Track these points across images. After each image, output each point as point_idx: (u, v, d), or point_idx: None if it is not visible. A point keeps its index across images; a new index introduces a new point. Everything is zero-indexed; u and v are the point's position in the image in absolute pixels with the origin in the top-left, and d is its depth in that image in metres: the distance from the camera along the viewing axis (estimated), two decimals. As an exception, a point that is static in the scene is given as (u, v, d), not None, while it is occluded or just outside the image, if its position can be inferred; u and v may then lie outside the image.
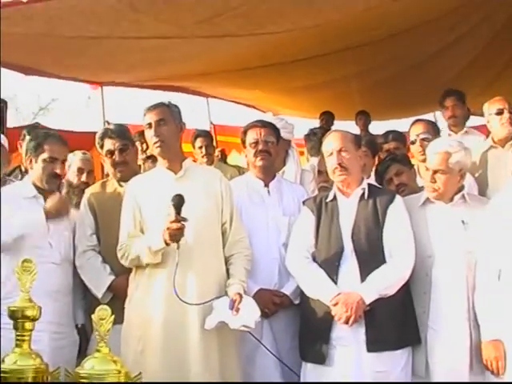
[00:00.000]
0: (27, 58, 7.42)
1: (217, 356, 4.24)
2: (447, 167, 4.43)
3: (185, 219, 4.08)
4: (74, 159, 5.52)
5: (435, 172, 4.43)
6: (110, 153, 4.85)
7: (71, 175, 5.46)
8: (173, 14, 6.47)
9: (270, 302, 4.58)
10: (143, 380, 4.01)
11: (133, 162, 4.95)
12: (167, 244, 4.14)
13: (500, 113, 5.62)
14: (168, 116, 4.41)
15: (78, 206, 5.12)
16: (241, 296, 4.22)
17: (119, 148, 4.83)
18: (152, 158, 6.24)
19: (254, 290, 4.54)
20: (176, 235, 4.09)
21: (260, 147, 4.86)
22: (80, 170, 5.46)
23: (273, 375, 4.59)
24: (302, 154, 7.06)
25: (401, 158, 5.25)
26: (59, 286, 4.52)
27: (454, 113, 6.72)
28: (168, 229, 4.09)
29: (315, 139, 6.54)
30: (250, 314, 4.14)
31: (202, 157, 7.26)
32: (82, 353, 4.67)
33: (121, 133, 4.91)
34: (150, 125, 4.37)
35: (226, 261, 4.44)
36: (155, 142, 4.34)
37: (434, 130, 5.72)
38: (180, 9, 6.35)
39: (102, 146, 4.90)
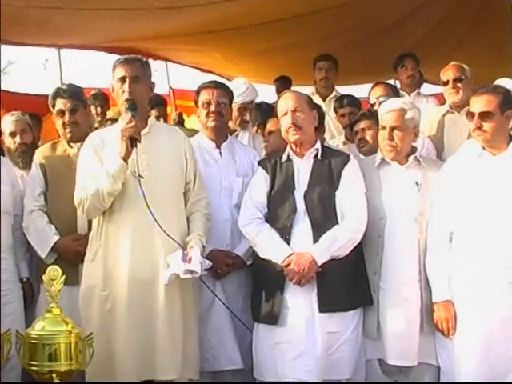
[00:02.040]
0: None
1: (180, 313, 4.25)
2: (403, 123, 4.46)
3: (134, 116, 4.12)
4: (5, 124, 5.33)
5: (392, 129, 4.45)
6: (61, 112, 4.80)
7: (7, 141, 5.29)
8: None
9: (223, 263, 4.59)
10: (116, 339, 4.09)
11: (83, 123, 4.87)
12: (125, 157, 4.10)
13: (446, 82, 5.69)
14: (142, 73, 4.34)
15: (25, 168, 5.11)
16: (191, 247, 4.21)
17: (70, 108, 4.78)
18: (112, 121, 6.18)
19: (206, 250, 4.51)
20: (131, 132, 4.10)
21: (212, 108, 4.83)
22: (12, 134, 5.25)
23: (226, 336, 4.61)
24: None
25: (373, 116, 5.24)
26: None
27: (413, 73, 6.91)
28: (122, 131, 4.11)
29: (259, 112, 6.61)
30: (194, 259, 4.13)
31: (156, 117, 7.19)
32: (28, 306, 4.68)
33: (73, 93, 4.85)
34: (122, 79, 4.27)
35: (187, 219, 4.42)
36: (127, 99, 4.23)
37: (393, 92, 5.80)
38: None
39: (53, 106, 4.85)
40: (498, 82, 5.19)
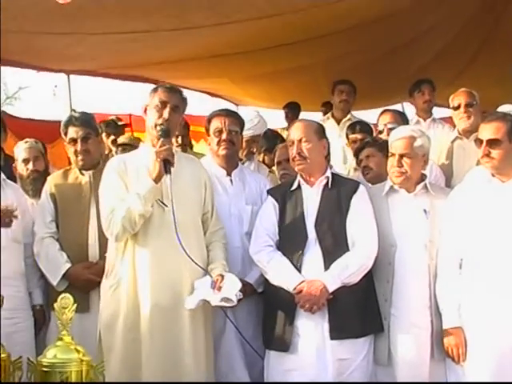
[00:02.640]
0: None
1: (203, 342, 4.28)
2: (412, 151, 4.49)
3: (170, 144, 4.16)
4: (18, 151, 5.38)
5: (402, 156, 4.47)
6: (73, 141, 4.83)
7: (20, 167, 5.34)
8: (140, 12, 6.45)
9: None
10: (142, 369, 4.08)
11: (95, 150, 4.90)
12: (156, 179, 4.12)
13: (458, 107, 5.73)
14: (181, 105, 4.38)
15: (35, 195, 5.13)
16: (222, 276, 4.22)
17: (82, 136, 4.81)
18: (122, 147, 6.22)
19: None
20: (165, 154, 4.11)
21: (224, 136, 4.85)
22: (25, 161, 5.30)
23: (236, 363, 4.62)
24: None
25: (377, 143, 5.30)
26: (7, 271, 4.44)
27: (430, 98, 6.88)
28: (157, 152, 4.12)
29: (265, 139, 6.68)
30: (230, 288, 4.14)
31: (177, 146, 7.24)
32: (39, 333, 4.72)
33: (85, 121, 4.89)
34: (163, 104, 4.27)
35: (206, 248, 4.43)
36: (163, 124, 4.23)
37: (401, 119, 5.81)
38: (148, 6, 6.33)
39: (65, 134, 4.88)
40: (501, 108, 5.19)
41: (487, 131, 4.26)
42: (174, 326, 4.18)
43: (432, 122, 6.81)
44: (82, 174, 4.83)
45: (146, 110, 4.36)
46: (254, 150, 5.95)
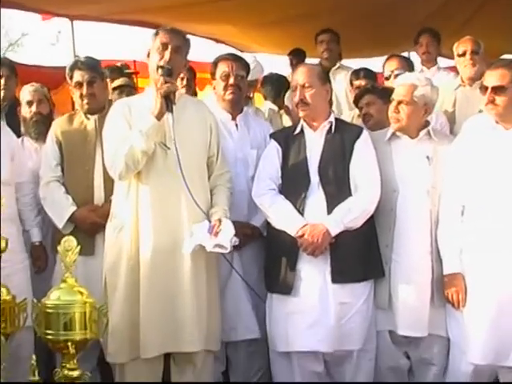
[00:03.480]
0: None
1: (205, 284, 4.31)
2: (411, 99, 4.46)
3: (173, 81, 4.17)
4: (23, 94, 5.38)
5: (399, 103, 4.46)
6: (79, 84, 4.82)
7: (24, 110, 5.34)
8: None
9: (241, 234, 4.54)
10: (141, 309, 4.11)
11: (101, 95, 4.89)
12: (158, 116, 4.13)
13: (463, 54, 5.70)
14: (183, 47, 4.36)
15: (38, 138, 5.16)
16: (220, 221, 4.23)
17: (88, 80, 4.80)
18: (120, 89, 6.19)
19: None
20: (166, 90, 4.13)
21: (231, 81, 4.83)
22: (29, 103, 5.30)
23: (243, 306, 4.68)
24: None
25: (377, 90, 5.30)
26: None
27: (428, 49, 6.86)
28: (158, 89, 4.14)
29: (269, 84, 6.63)
30: (225, 234, 4.16)
31: (182, 87, 7.20)
32: (43, 270, 4.82)
33: (90, 65, 4.88)
34: (164, 45, 4.25)
35: (210, 192, 4.44)
36: (165, 67, 4.21)
37: (408, 66, 5.78)
38: None
39: (71, 78, 4.87)
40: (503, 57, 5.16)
41: (492, 78, 4.24)
42: (173, 269, 4.22)
43: (436, 70, 6.78)
44: (88, 119, 4.83)
45: (149, 54, 4.34)
46: (251, 96, 5.92)
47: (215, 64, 4.92)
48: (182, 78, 6.05)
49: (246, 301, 4.68)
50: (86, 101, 4.81)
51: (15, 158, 4.75)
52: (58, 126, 4.90)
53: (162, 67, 4.20)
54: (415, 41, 6.97)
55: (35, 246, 4.85)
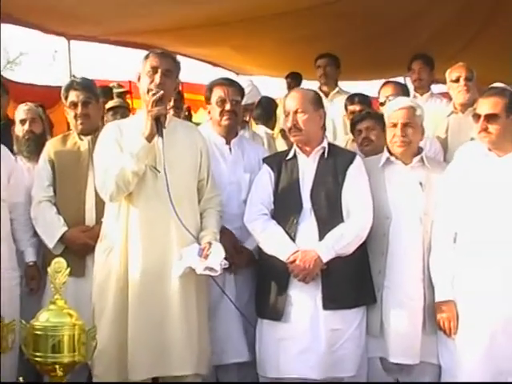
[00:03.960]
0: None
1: (195, 307, 4.28)
2: (414, 121, 4.50)
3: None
4: (17, 113, 5.43)
5: (405, 125, 4.47)
6: (74, 104, 4.83)
7: (17, 129, 5.38)
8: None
9: (232, 250, 4.59)
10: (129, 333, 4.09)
11: (95, 116, 4.90)
12: (148, 138, 4.13)
13: (456, 80, 5.73)
14: (174, 70, 4.36)
15: (30, 156, 5.19)
16: (210, 244, 4.22)
17: (83, 101, 4.81)
18: (114, 110, 6.20)
19: None
20: (156, 112, 4.13)
21: (227, 107, 4.84)
22: (22, 121, 5.34)
23: (234, 329, 4.65)
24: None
25: (377, 116, 5.28)
26: None
27: (420, 75, 6.87)
28: (149, 111, 4.14)
29: (260, 107, 6.65)
30: (215, 257, 4.15)
31: (170, 108, 7.19)
32: (36, 291, 4.77)
33: (86, 86, 4.89)
34: (154, 69, 4.26)
35: (200, 215, 4.44)
36: (154, 91, 4.20)
37: (403, 92, 5.79)
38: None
39: (66, 98, 4.88)
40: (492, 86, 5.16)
41: (485, 106, 4.25)
42: (162, 292, 4.20)
43: (429, 96, 6.80)
44: (81, 140, 4.83)
45: (139, 78, 4.35)
46: (247, 119, 5.93)
47: (210, 89, 4.93)
48: (170, 100, 6.09)
49: (236, 323, 4.66)
50: (80, 121, 4.81)
51: (11, 177, 4.75)
52: (52, 146, 4.89)
53: (151, 90, 4.21)
54: (408, 67, 7.01)
55: (29, 267, 4.81)
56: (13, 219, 4.76)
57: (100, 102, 5.10)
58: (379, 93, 5.94)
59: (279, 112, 7.78)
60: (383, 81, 6.21)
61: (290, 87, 9.78)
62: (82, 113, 4.81)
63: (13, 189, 4.74)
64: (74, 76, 8.98)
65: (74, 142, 4.86)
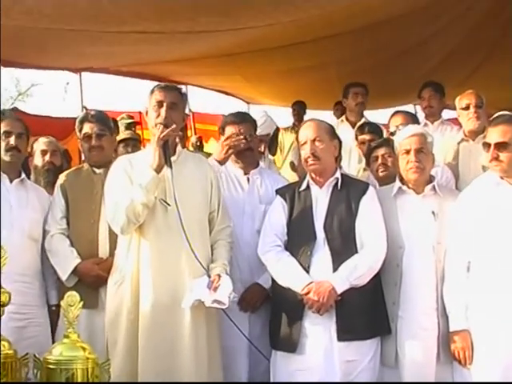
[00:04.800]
0: (6, 51, 7.34)
1: (205, 339, 4.27)
2: (426, 147, 4.51)
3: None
4: (38, 145, 5.59)
5: (418, 151, 4.47)
6: (88, 137, 4.86)
7: (36, 159, 5.53)
8: (153, 13, 6.47)
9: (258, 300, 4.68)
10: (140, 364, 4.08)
11: (109, 148, 4.93)
12: (157, 169, 4.16)
13: (467, 108, 5.73)
14: (179, 102, 4.39)
15: (46, 187, 5.21)
16: (219, 276, 4.22)
17: (96, 133, 4.84)
18: (125, 143, 6.23)
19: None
20: (166, 135, 4.16)
21: (241, 146, 4.88)
22: (43, 152, 5.51)
23: (240, 358, 4.66)
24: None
25: (393, 144, 5.27)
26: (18, 267, 4.46)
27: (430, 103, 6.88)
28: (157, 139, 4.17)
29: (271, 139, 6.67)
30: (223, 290, 4.15)
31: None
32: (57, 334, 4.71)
33: (100, 118, 4.92)
34: (160, 103, 4.30)
35: (211, 247, 4.44)
36: (162, 124, 4.24)
37: (413, 121, 5.80)
38: (161, 7, 6.35)
39: (80, 130, 4.91)
40: (499, 113, 5.15)
41: (495, 134, 4.25)
42: (172, 325, 4.20)
43: (440, 123, 6.79)
44: (94, 172, 4.85)
45: (147, 113, 4.39)
46: (263, 150, 5.95)
47: (222, 128, 4.98)
48: (178, 131, 6.14)
49: (243, 354, 4.67)
50: (94, 153, 4.84)
51: (48, 217, 4.80)
52: (65, 178, 4.92)
53: (159, 123, 4.24)
54: (418, 95, 7.02)
55: (52, 311, 4.78)
56: (42, 260, 4.77)
57: (114, 135, 5.15)
58: (389, 122, 5.96)
59: (281, 139, 7.78)
60: (391, 109, 6.23)
61: (295, 115, 9.84)
62: (96, 145, 4.83)
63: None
64: (85, 108, 9.11)
65: (88, 174, 4.88)
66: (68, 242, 4.75)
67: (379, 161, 5.22)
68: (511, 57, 8.69)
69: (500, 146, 4.21)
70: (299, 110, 9.96)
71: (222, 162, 4.90)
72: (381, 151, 5.24)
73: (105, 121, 4.96)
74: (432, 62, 9.80)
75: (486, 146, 4.28)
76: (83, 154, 5.03)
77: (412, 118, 5.90)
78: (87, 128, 4.86)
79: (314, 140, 4.48)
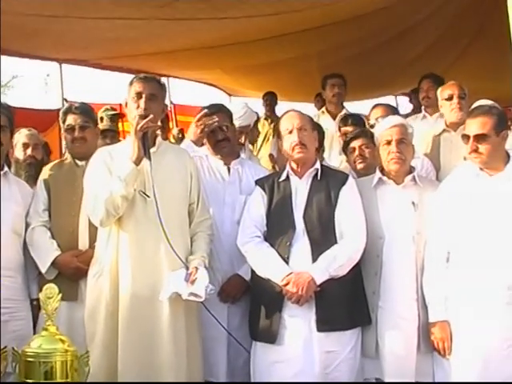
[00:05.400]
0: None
1: (184, 331, 4.26)
2: (407, 138, 4.52)
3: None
4: (19, 136, 5.57)
5: (399, 142, 4.48)
6: (71, 128, 4.84)
7: (18, 152, 5.52)
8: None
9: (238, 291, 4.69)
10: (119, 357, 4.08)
11: (92, 141, 4.88)
12: (136, 161, 4.14)
13: (449, 98, 5.73)
14: (158, 93, 4.37)
15: (28, 181, 5.18)
16: (197, 269, 4.21)
17: (80, 125, 4.82)
18: (103, 134, 6.20)
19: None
20: (144, 126, 4.14)
21: (218, 137, 4.89)
22: (25, 145, 5.50)
23: (219, 349, 4.66)
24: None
25: (371, 134, 5.23)
26: (6, 261, 4.45)
27: (428, 94, 6.91)
28: (135, 130, 4.15)
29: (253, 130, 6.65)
30: (200, 283, 4.14)
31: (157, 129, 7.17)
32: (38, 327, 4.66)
33: (84, 110, 4.91)
34: (139, 95, 4.28)
35: (190, 239, 4.43)
36: (142, 115, 4.22)
37: (393, 113, 5.78)
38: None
39: (64, 121, 4.90)
40: (478, 103, 5.16)
41: (474, 126, 4.25)
42: (151, 317, 4.19)
43: (439, 116, 6.77)
44: (77, 165, 4.83)
45: (126, 104, 4.37)
46: (243, 142, 5.94)
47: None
48: (157, 122, 6.11)
49: (222, 345, 4.67)
50: (77, 144, 4.83)
51: (30, 210, 4.77)
52: (48, 170, 4.91)
53: (137, 116, 4.23)
54: (417, 86, 7.09)
55: (34, 305, 4.70)
56: (24, 254, 4.73)
57: (97, 127, 5.13)
58: (369, 115, 5.95)
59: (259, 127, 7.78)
60: (374, 100, 6.24)
61: (267, 105, 9.87)
62: (79, 136, 4.82)
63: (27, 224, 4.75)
64: (66, 100, 9.06)
65: (70, 167, 4.86)
66: (49, 234, 4.73)
67: (356, 152, 5.22)
68: (491, 47, 8.71)
69: (479, 138, 4.21)
70: (271, 100, 9.98)
71: (197, 143, 4.95)
72: (357, 142, 5.23)
73: (89, 113, 4.95)
74: (413, 54, 9.82)
75: (465, 137, 4.28)
76: (66, 146, 4.99)
77: (392, 111, 5.90)
78: (71, 119, 4.85)
79: (300, 128, 4.47)
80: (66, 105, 5.11)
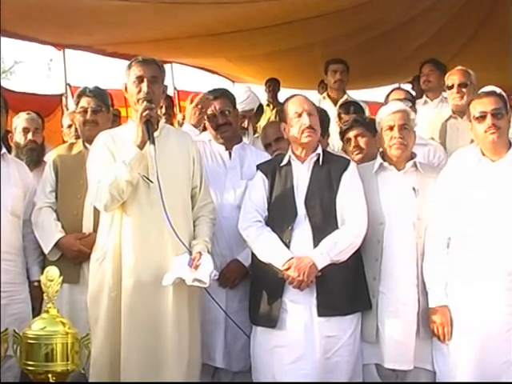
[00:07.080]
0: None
1: (187, 318, 4.27)
2: (409, 124, 4.52)
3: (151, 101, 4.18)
4: (19, 121, 5.59)
5: (401, 127, 4.47)
6: (84, 111, 4.86)
7: (18, 136, 5.53)
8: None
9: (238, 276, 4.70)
10: (122, 342, 4.10)
11: (103, 124, 4.86)
12: (140, 145, 4.13)
13: (451, 87, 5.71)
14: (158, 75, 4.35)
15: (29, 165, 5.17)
16: (200, 254, 4.20)
17: (93, 108, 4.85)
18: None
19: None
20: (147, 115, 4.13)
21: (219, 121, 4.88)
22: (25, 130, 5.51)
23: (217, 333, 4.69)
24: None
25: (366, 122, 5.26)
26: (6, 245, 4.47)
27: (428, 77, 6.91)
28: (139, 115, 4.14)
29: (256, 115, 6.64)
30: (204, 268, 4.13)
31: (162, 115, 7.17)
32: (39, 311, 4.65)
33: (98, 94, 4.93)
34: (140, 78, 4.25)
35: (193, 223, 4.42)
36: (145, 98, 4.21)
37: (410, 98, 5.76)
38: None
39: (77, 104, 4.93)
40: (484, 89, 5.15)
41: (488, 104, 4.25)
42: (155, 302, 4.19)
43: (440, 101, 6.78)
44: (86, 148, 4.82)
45: (126, 89, 4.35)
46: (246, 126, 5.93)
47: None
48: (161, 107, 6.10)
49: (220, 329, 4.69)
50: (87, 127, 4.84)
51: (28, 194, 4.77)
52: (57, 152, 4.94)
53: (142, 98, 4.21)
54: (419, 71, 7.10)
55: (34, 286, 4.72)
56: (24, 235, 4.75)
57: (110, 113, 5.11)
58: (387, 99, 5.87)
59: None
60: (376, 89, 6.23)
61: (270, 91, 9.88)
62: (91, 119, 4.85)
63: (27, 205, 4.76)
64: (69, 85, 9.06)
65: (79, 150, 4.88)
66: (54, 215, 4.75)
67: (352, 143, 5.16)
68: (497, 36, 8.70)
69: (497, 114, 4.22)
70: (274, 86, 9.97)
71: (196, 126, 4.97)
72: (352, 132, 5.18)
73: (103, 97, 4.96)
74: (417, 43, 9.80)
75: (480, 117, 4.25)
76: (78, 128, 4.99)
77: (409, 96, 5.86)
78: (84, 102, 4.88)
79: (309, 113, 4.46)
80: (81, 88, 5.08)
